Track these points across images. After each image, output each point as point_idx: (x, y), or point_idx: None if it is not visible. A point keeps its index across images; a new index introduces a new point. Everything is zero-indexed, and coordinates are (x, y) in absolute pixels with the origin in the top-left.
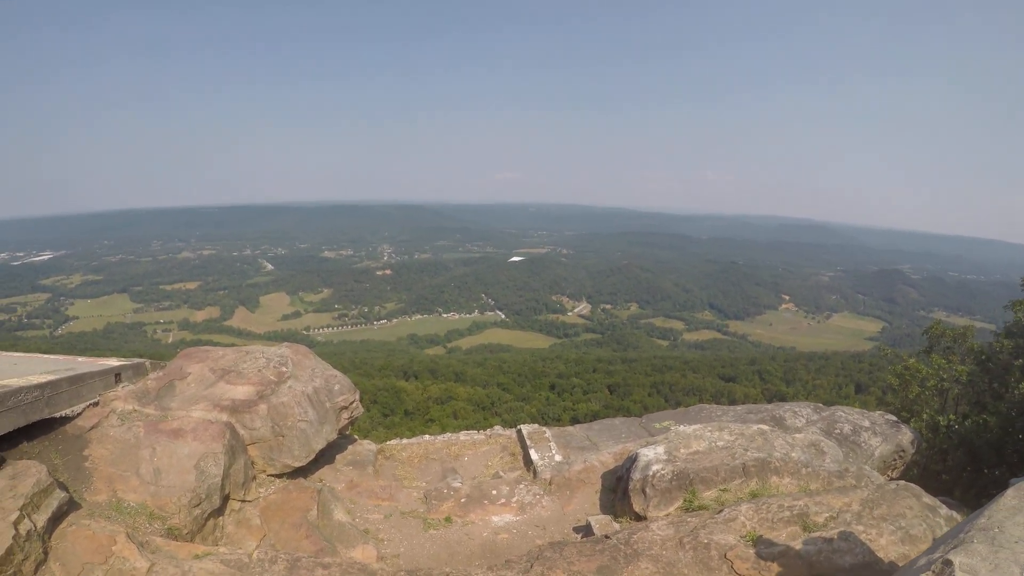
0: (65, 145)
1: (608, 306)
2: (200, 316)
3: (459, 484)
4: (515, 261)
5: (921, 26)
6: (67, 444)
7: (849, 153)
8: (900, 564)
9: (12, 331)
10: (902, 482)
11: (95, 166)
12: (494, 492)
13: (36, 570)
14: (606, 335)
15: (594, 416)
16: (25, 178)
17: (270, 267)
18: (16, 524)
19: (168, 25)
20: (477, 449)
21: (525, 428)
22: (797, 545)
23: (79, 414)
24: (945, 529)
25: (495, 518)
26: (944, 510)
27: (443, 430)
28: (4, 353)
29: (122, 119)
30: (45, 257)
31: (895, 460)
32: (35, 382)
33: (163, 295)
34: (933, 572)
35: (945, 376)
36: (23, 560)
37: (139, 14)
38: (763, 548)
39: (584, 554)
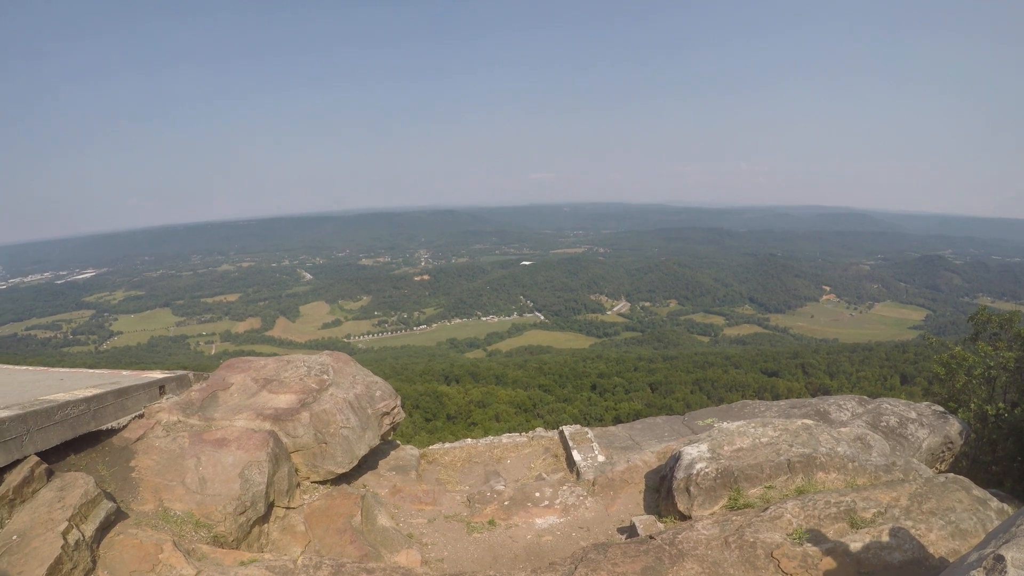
0: (105, 165)
1: (647, 303)
2: (241, 327)
3: (502, 487)
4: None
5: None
6: (114, 455)
7: (887, 139)
8: (950, 560)
9: (58, 347)
10: (951, 475)
11: (134, 185)
12: (537, 494)
13: None
14: (646, 333)
15: (636, 415)
16: (66, 199)
17: (309, 277)
18: (65, 534)
19: (213, 36)
20: (519, 451)
21: (567, 429)
22: (845, 542)
23: (125, 426)
24: (996, 522)
25: (539, 520)
26: (995, 503)
27: (485, 433)
28: (51, 369)
29: (159, 137)
30: (88, 275)
31: (943, 452)
32: (81, 396)
33: (204, 308)
34: (984, 568)
35: (992, 364)
36: (72, 569)
37: (169, 23)
38: (810, 546)
39: (628, 555)
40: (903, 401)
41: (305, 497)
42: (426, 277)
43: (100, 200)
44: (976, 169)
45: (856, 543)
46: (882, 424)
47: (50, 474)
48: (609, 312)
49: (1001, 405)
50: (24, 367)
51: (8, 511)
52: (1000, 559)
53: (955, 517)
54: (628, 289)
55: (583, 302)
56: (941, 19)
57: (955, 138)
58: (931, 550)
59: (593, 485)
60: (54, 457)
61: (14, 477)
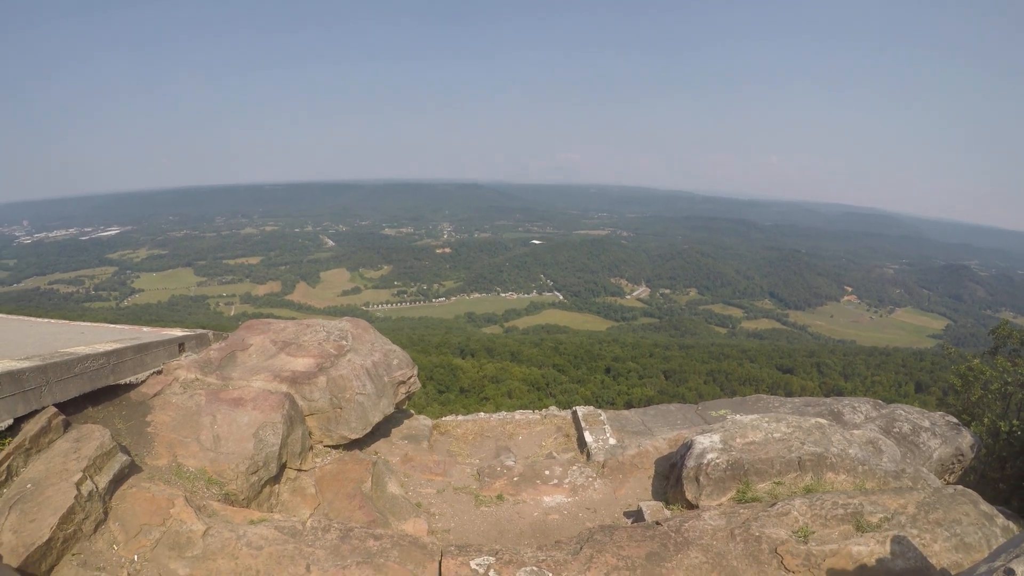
0: (134, 124)
1: (667, 290)
2: (262, 290)
3: (512, 463)
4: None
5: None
6: (131, 410)
7: (920, 143)
8: (952, 572)
9: (80, 302)
10: (959, 487)
11: (163, 145)
12: (547, 472)
13: (96, 529)
14: (664, 320)
15: (649, 401)
16: (95, 157)
17: (331, 243)
18: (78, 485)
19: (248, 4)
20: (531, 429)
21: (580, 410)
22: (849, 545)
23: (143, 381)
24: (1001, 539)
25: (546, 498)
26: (1001, 519)
27: (497, 409)
28: (72, 322)
29: (190, 98)
30: (112, 232)
31: (953, 464)
32: (101, 350)
33: (226, 269)
34: None
35: (1010, 380)
36: (84, 519)
37: None
38: (814, 545)
39: (634, 539)
40: (917, 409)
41: (317, 460)
42: (448, 250)
43: (128, 159)
44: (1009, 181)
45: (860, 547)
46: (895, 430)
47: (67, 425)
48: (628, 296)
49: (1015, 422)
50: (46, 320)
51: (24, 460)
52: (1011, 572)
53: (960, 530)
54: (649, 275)
55: (603, 284)
56: (975, 39)
57: (989, 148)
58: (934, 561)
59: (603, 467)
60: (72, 409)
61: (31, 427)
